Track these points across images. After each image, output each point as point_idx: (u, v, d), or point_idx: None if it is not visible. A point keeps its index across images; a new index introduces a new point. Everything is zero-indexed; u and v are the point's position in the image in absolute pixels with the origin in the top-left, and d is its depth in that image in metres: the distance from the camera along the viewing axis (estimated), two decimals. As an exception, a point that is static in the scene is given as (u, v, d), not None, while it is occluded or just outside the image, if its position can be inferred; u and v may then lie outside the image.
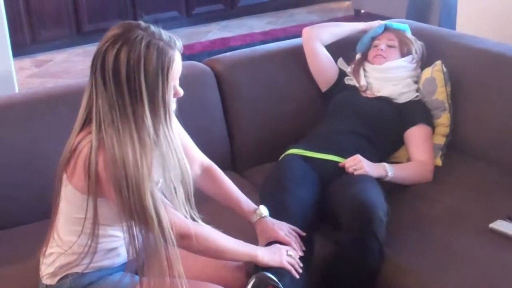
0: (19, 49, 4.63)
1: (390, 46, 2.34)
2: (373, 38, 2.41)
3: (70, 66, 4.84)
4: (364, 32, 2.46)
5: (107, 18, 5.11)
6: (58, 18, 5.11)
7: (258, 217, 1.72)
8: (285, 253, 1.63)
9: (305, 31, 2.42)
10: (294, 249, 1.68)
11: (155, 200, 1.40)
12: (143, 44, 1.37)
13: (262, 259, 1.58)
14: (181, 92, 1.47)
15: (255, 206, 1.75)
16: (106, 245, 1.52)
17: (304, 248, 1.71)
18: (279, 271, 1.61)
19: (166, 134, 1.42)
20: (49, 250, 1.54)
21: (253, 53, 2.50)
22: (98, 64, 1.38)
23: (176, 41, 1.43)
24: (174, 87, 1.44)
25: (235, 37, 5.37)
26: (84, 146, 1.40)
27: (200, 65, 2.37)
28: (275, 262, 1.60)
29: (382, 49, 2.33)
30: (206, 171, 1.76)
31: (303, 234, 1.75)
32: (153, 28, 1.42)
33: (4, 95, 2.25)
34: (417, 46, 2.37)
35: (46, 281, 1.54)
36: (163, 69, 1.38)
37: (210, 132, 2.28)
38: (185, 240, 1.48)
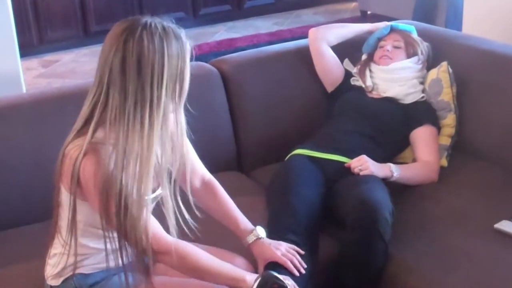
0: (27, 49, 4.65)
1: (396, 47, 2.35)
2: (379, 39, 2.42)
3: (77, 67, 4.86)
4: (370, 33, 2.47)
5: (114, 19, 5.02)
6: (65, 19, 5.14)
7: (254, 238, 1.65)
8: None
9: (311, 32, 2.42)
10: (290, 269, 1.62)
11: (147, 218, 1.38)
12: (159, 28, 1.37)
13: (250, 284, 1.48)
14: None
15: (252, 227, 1.68)
16: (109, 246, 1.52)
17: (305, 266, 1.66)
18: (283, 271, 1.61)
19: (177, 119, 1.42)
20: (53, 251, 1.55)
21: (260, 53, 2.51)
22: (117, 56, 1.34)
23: (181, 28, 1.44)
24: None
25: (242, 38, 5.38)
26: (72, 150, 1.39)
27: (207, 65, 2.38)
28: None
29: (388, 50, 2.34)
30: (206, 185, 1.71)
31: (302, 252, 1.69)
32: (156, 17, 1.42)
33: (11, 95, 2.26)
34: (423, 47, 2.37)
35: (50, 282, 1.55)
36: (181, 51, 1.38)
37: (216, 132, 2.28)
38: (165, 256, 1.45)
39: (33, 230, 1.95)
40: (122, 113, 1.35)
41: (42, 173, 1.97)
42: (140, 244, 1.39)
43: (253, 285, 1.47)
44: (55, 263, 1.54)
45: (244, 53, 2.56)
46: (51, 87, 3.86)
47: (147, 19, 1.39)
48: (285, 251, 1.65)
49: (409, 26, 2.46)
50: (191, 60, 1.45)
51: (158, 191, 1.50)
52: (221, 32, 5.58)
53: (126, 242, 1.41)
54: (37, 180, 1.98)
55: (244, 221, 1.68)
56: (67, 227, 1.46)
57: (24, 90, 3.11)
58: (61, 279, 1.53)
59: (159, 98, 1.36)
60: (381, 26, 2.46)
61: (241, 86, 2.35)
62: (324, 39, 2.39)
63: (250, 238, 1.66)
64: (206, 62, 2.45)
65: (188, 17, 5.60)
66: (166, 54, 1.35)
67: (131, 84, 1.34)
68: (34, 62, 4.95)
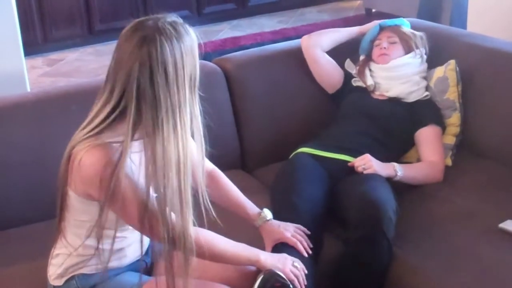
0: (31, 48, 4.66)
1: (391, 43, 2.33)
2: (372, 41, 2.40)
3: (81, 65, 4.86)
4: (362, 34, 2.45)
5: (119, 17, 5.14)
6: (70, 17, 5.14)
7: (263, 221, 1.72)
8: (290, 263, 1.58)
9: (304, 39, 2.41)
10: (300, 250, 1.67)
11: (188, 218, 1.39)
12: (172, 29, 1.36)
13: (265, 263, 1.54)
14: None
15: (259, 210, 1.74)
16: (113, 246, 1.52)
17: (311, 245, 1.72)
18: (292, 252, 1.64)
19: (196, 114, 1.42)
20: (56, 251, 1.55)
21: (263, 52, 2.51)
22: (144, 70, 1.32)
23: (184, 21, 1.44)
24: None
25: (246, 36, 5.37)
26: (90, 155, 1.36)
27: (210, 64, 2.37)
28: (278, 270, 1.55)
29: (384, 47, 2.32)
30: (209, 176, 1.71)
31: (309, 232, 1.75)
32: (161, 15, 1.42)
33: (15, 94, 2.27)
34: (416, 39, 2.35)
35: (53, 282, 1.55)
36: (193, 45, 1.40)
37: (220, 131, 2.25)
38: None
39: (36, 229, 1.95)
40: (157, 124, 1.34)
41: (45, 172, 1.96)
42: (184, 244, 1.38)
43: (254, 284, 1.48)
44: (58, 263, 1.54)
45: (248, 51, 2.56)
46: (55, 86, 3.85)
47: (157, 21, 1.38)
48: (294, 232, 1.71)
49: (398, 20, 2.45)
50: (200, 53, 1.44)
51: None
52: (225, 31, 5.58)
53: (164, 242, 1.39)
54: (41, 179, 1.98)
55: (250, 205, 1.74)
56: (95, 233, 1.45)
57: (28, 89, 3.12)
58: (64, 279, 1.53)
59: (184, 97, 1.37)
60: (370, 26, 2.44)
61: (244, 85, 2.34)
62: (318, 45, 2.38)
63: (259, 221, 1.72)
64: (210, 60, 2.44)
65: (192, 15, 5.60)
66: (184, 54, 1.36)
67: (161, 93, 1.34)
68: (38, 60, 4.96)
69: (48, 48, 5.10)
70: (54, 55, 5.07)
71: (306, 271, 1.61)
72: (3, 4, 2.92)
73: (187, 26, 1.41)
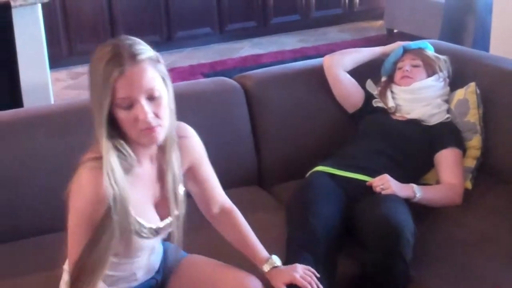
0: (56, 61, 4.72)
1: (414, 66, 2.33)
2: (395, 63, 2.40)
3: (104, 79, 4.91)
4: (384, 55, 2.45)
5: (143, 33, 5.15)
6: (95, 31, 5.21)
7: (271, 267, 1.65)
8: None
9: (326, 59, 2.41)
10: None
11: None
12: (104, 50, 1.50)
13: None
14: None
15: (268, 255, 1.67)
16: (123, 267, 1.52)
17: (321, 287, 1.64)
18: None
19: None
20: (64, 266, 1.56)
21: (283, 70, 2.51)
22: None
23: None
24: None
25: (267, 54, 5.40)
26: (83, 171, 1.45)
27: (230, 81, 2.39)
28: None
29: (407, 70, 2.32)
30: (225, 213, 1.69)
31: (318, 275, 1.66)
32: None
33: (38, 106, 2.30)
34: (440, 63, 2.34)
35: None
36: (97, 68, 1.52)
37: (238, 147, 2.28)
38: None
39: (57, 238, 1.95)
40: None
41: (64, 183, 1.97)
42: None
43: None
44: (65, 278, 1.55)
45: (268, 69, 2.57)
46: (77, 99, 3.90)
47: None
48: (303, 273, 1.64)
49: (422, 42, 2.44)
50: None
51: (167, 220, 1.51)
52: (246, 48, 5.61)
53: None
54: (59, 189, 1.97)
55: (260, 250, 1.68)
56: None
57: (52, 101, 3.17)
58: None
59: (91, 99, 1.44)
60: (394, 47, 2.44)
61: (263, 102, 2.35)
62: (340, 64, 2.38)
63: (267, 267, 1.65)
64: (230, 77, 2.46)
65: (214, 33, 5.65)
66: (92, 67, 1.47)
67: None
68: (63, 73, 5.03)
69: (73, 61, 5.17)
70: (79, 68, 5.13)
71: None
72: (31, 19, 2.99)
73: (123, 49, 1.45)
